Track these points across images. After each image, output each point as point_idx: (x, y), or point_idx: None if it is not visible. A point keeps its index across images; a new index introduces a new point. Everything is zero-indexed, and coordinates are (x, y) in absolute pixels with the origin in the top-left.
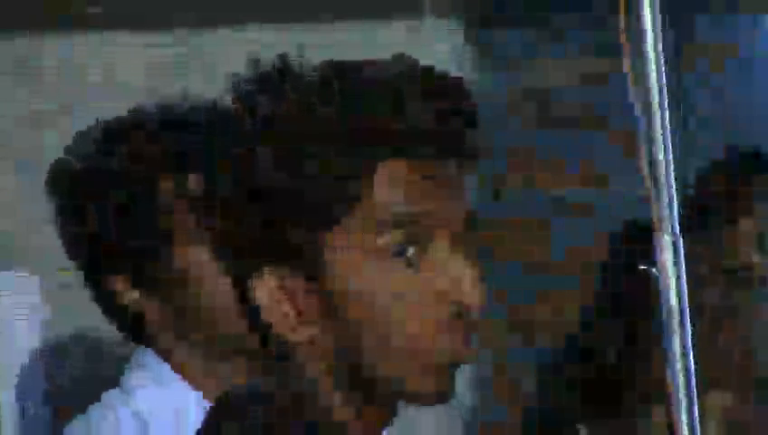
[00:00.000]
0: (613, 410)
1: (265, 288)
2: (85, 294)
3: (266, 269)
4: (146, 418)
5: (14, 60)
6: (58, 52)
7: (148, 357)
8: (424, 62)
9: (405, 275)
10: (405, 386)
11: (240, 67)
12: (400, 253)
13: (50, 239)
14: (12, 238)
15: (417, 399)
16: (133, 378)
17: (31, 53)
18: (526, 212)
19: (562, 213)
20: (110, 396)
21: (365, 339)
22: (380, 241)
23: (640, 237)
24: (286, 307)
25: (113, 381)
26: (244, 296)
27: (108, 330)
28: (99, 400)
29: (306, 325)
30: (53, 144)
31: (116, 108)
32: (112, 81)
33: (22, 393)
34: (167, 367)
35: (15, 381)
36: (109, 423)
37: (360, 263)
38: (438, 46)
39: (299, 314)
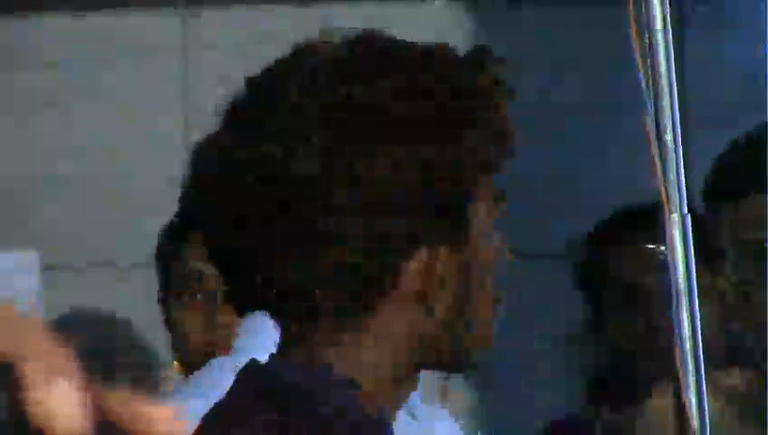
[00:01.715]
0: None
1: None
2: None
3: (423, 250)
4: None
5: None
6: (57, 38)
7: (259, 320)
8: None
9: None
10: (468, 357)
11: (248, 47)
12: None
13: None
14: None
15: (459, 369)
16: (244, 341)
17: (17, 41)
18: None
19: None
20: (221, 360)
21: (470, 310)
22: (497, 211)
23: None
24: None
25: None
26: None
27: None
28: None
29: (446, 294)
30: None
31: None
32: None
33: None
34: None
35: None
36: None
37: (487, 232)
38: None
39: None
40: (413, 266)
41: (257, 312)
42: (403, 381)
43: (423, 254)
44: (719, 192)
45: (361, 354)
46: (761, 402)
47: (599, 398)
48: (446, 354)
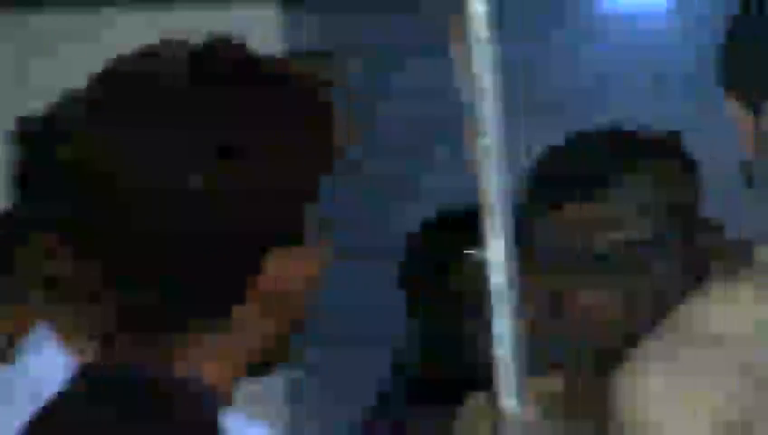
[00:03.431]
0: None
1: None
2: None
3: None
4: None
5: None
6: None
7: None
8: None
9: None
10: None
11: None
12: None
13: None
14: None
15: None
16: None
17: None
18: None
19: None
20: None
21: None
22: None
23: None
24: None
25: None
26: None
27: None
28: None
29: (299, 294)
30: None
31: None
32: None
33: None
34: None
35: None
36: None
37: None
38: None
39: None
40: (269, 267)
41: (41, 324)
42: (240, 382)
43: (278, 254)
44: (543, 198)
45: (208, 355)
46: (586, 409)
47: (421, 397)
48: (282, 355)
